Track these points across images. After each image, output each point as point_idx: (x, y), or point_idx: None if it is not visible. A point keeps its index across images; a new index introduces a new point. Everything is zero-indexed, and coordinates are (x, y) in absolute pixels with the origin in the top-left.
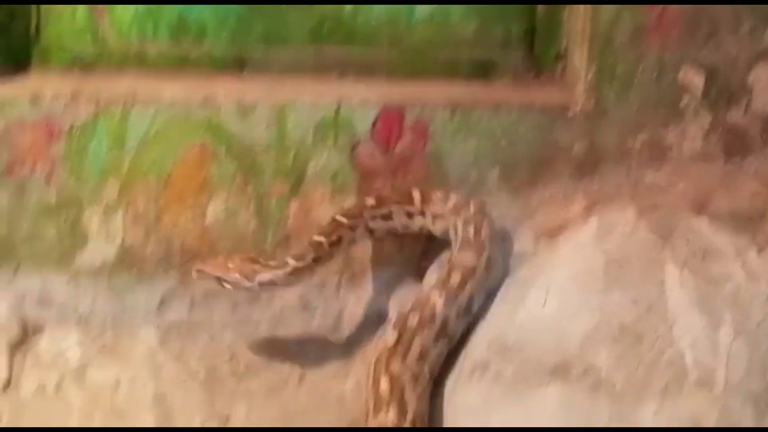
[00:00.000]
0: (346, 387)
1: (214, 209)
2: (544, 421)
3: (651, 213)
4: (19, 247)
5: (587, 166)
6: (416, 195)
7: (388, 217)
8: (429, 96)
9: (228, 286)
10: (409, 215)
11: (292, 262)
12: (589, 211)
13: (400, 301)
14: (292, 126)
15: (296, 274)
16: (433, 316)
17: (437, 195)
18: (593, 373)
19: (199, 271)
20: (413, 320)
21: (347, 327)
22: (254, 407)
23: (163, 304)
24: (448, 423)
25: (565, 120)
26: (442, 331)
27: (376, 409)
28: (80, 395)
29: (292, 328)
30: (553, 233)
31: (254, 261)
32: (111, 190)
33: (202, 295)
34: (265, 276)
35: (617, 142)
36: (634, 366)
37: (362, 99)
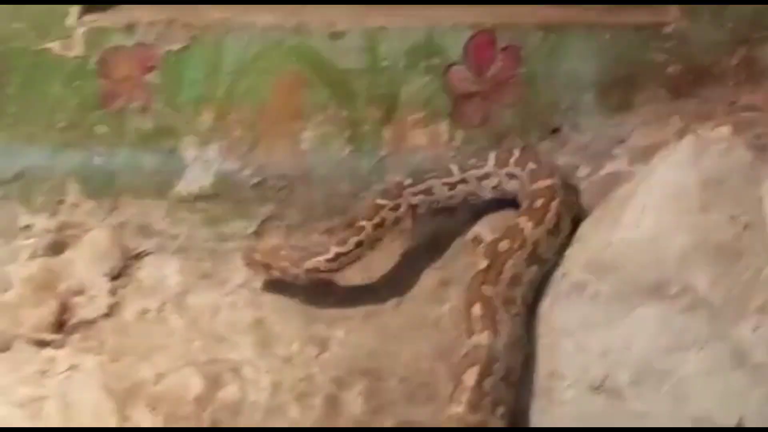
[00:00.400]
0: (442, 311)
1: (309, 136)
2: (641, 341)
3: (747, 131)
4: (118, 176)
5: (682, 87)
6: (454, 168)
7: (428, 192)
8: (521, 18)
9: (276, 273)
10: (451, 186)
11: (334, 248)
12: (684, 131)
13: (493, 226)
14: (384, 51)
15: (339, 260)
16: (523, 241)
17: (474, 161)
18: (690, 292)
19: (249, 258)
20: (504, 245)
21: (444, 252)
22: (352, 331)
23: (259, 231)
24: (544, 345)
25: (660, 40)
26: (533, 254)
27: (469, 332)
28: (181, 320)
29: (390, 252)
30: (648, 153)
31: (302, 248)
32: (206, 118)
33: (298, 222)
34: (310, 263)
35: (712, 61)
36: (732, 284)
37: (454, 23)
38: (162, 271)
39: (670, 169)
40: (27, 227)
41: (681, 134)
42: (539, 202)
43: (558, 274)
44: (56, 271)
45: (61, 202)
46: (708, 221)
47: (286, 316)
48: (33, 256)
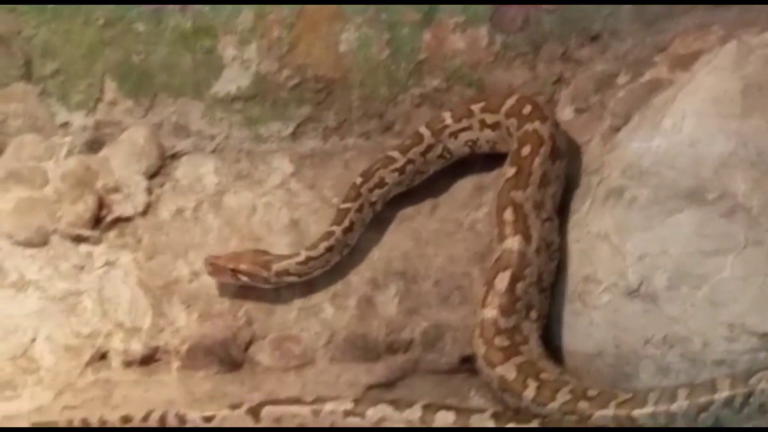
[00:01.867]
0: (477, 216)
1: (348, 38)
2: (678, 246)
3: None
4: (156, 75)
5: None
6: (394, 153)
7: (381, 184)
8: None
9: (244, 278)
10: (399, 170)
11: (304, 252)
12: (726, 38)
13: None
14: None
15: (309, 264)
16: (541, 139)
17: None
18: (729, 197)
19: (212, 264)
20: (526, 150)
21: (480, 158)
22: (387, 234)
23: (296, 133)
24: (579, 250)
25: None
26: (555, 150)
27: (501, 237)
28: (217, 220)
29: None
30: (689, 61)
31: (265, 253)
32: (246, 18)
33: (335, 124)
34: (280, 265)
35: None
36: None
37: None
38: (198, 171)
39: (712, 75)
40: (65, 124)
41: (723, 41)
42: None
43: (595, 180)
44: (93, 168)
45: (98, 100)
46: (748, 127)
47: (321, 217)
48: (70, 153)
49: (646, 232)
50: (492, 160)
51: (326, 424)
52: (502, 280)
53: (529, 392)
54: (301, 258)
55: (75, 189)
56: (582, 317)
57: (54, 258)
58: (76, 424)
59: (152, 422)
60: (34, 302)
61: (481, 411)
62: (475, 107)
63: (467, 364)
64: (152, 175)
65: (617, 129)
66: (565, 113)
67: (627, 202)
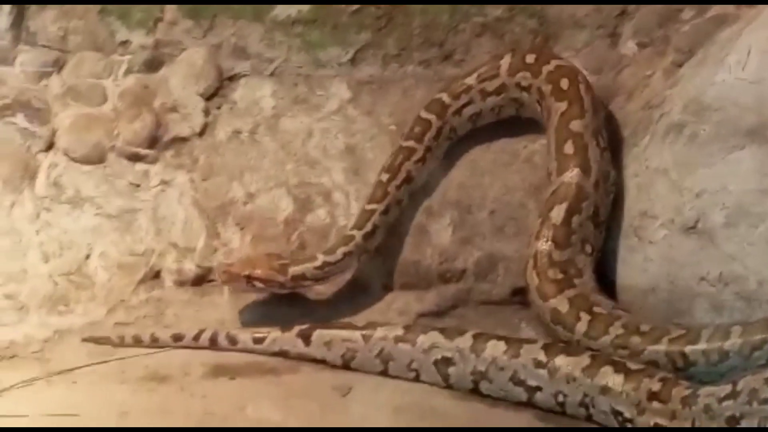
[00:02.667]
0: (534, 148)
1: None
2: (737, 183)
3: None
4: None
5: None
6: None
7: (408, 179)
8: None
9: (259, 285)
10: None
11: (321, 257)
12: None
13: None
14: None
15: (326, 269)
16: (573, 70)
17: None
18: None
19: (225, 272)
20: (564, 83)
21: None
22: (443, 163)
23: (355, 59)
24: (637, 184)
25: None
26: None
27: (561, 170)
28: (273, 142)
29: None
30: None
31: (279, 257)
32: None
33: (395, 51)
34: (296, 269)
35: None
36: None
37: None
38: (256, 94)
39: None
40: (124, 43)
41: None
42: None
43: (655, 114)
44: (151, 87)
45: (159, 19)
46: None
47: (378, 144)
48: (129, 72)
49: (705, 168)
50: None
51: (376, 350)
52: (558, 213)
53: (582, 325)
54: (318, 263)
55: (133, 107)
56: (637, 252)
57: (110, 175)
58: (128, 340)
59: (203, 342)
60: (89, 219)
61: (532, 342)
62: (470, 80)
63: (519, 295)
64: (210, 97)
65: (680, 64)
66: (627, 47)
67: (687, 138)
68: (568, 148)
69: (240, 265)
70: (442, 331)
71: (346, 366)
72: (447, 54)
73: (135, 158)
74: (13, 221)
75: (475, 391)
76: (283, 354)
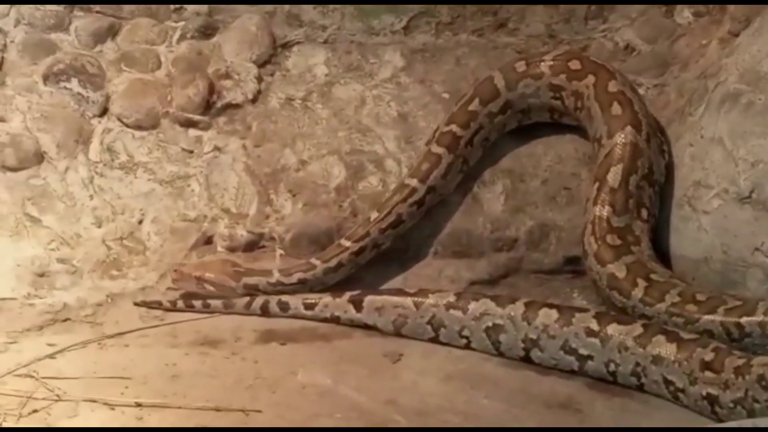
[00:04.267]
0: None
1: None
2: None
3: None
4: None
5: None
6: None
7: (397, 223)
8: None
9: (210, 287)
10: (418, 203)
11: (277, 275)
12: None
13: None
14: None
15: (278, 288)
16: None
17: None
18: None
19: (176, 271)
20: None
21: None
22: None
23: (409, 27)
24: (691, 154)
25: None
26: None
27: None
28: (326, 110)
29: None
30: None
31: (235, 264)
32: None
33: (448, 19)
34: (251, 280)
35: None
36: None
37: None
38: (309, 61)
39: None
40: (179, 9)
41: None
42: None
43: (711, 84)
44: (205, 53)
45: None
46: None
47: (430, 112)
48: (183, 38)
49: (761, 138)
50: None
51: (427, 316)
52: (615, 175)
53: (638, 291)
54: (273, 280)
55: (186, 73)
56: (691, 222)
57: (163, 141)
58: (179, 305)
59: (255, 309)
60: (142, 184)
61: (584, 311)
62: (473, 107)
63: (571, 265)
64: (263, 64)
65: (736, 33)
66: (683, 16)
67: (743, 107)
68: (615, 109)
69: (192, 267)
70: (493, 298)
71: (396, 332)
72: (501, 22)
73: (188, 124)
74: (67, 186)
75: (525, 359)
76: (333, 320)
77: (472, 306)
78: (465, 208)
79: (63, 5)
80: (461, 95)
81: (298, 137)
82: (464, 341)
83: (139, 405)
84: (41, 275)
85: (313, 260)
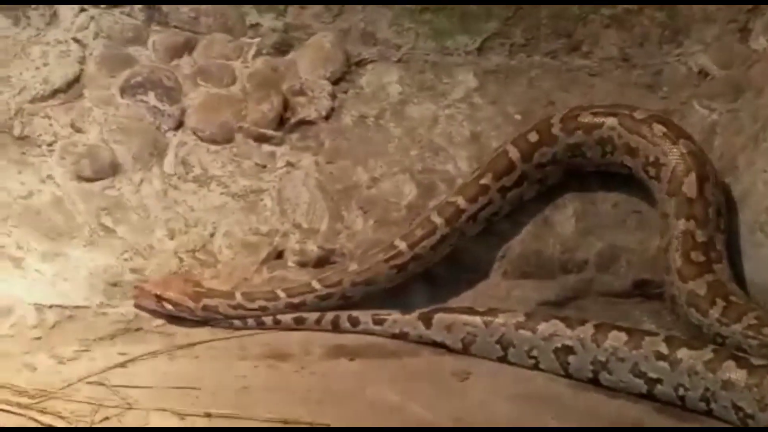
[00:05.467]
0: None
1: None
2: None
3: None
4: None
5: None
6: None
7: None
8: None
9: (168, 306)
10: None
11: (240, 298)
12: None
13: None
14: None
15: (238, 311)
16: None
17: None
18: None
19: (137, 287)
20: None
21: (666, 82)
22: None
23: (483, 48)
24: (763, 182)
25: None
26: None
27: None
28: (398, 128)
29: (611, 80)
30: None
31: (197, 284)
32: None
33: (523, 41)
34: (211, 301)
35: None
36: None
37: None
38: (382, 80)
39: None
40: (255, 25)
41: None
42: None
43: None
44: (280, 70)
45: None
46: None
47: (502, 132)
48: (258, 54)
49: None
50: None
51: (497, 335)
52: (690, 185)
53: (716, 311)
54: (234, 302)
55: (261, 89)
56: (763, 249)
57: (237, 155)
58: (250, 323)
59: (325, 323)
60: (215, 197)
61: (654, 334)
62: (485, 180)
63: (641, 288)
64: (336, 81)
65: None
66: (759, 42)
67: None
68: (657, 129)
69: (153, 284)
70: (563, 319)
71: (465, 350)
72: (575, 45)
73: (262, 139)
74: (142, 197)
75: (594, 381)
76: (402, 336)
77: (542, 326)
78: (535, 229)
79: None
80: (475, 168)
81: (370, 155)
82: (533, 362)
83: (208, 415)
84: (114, 285)
85: (279, 291)
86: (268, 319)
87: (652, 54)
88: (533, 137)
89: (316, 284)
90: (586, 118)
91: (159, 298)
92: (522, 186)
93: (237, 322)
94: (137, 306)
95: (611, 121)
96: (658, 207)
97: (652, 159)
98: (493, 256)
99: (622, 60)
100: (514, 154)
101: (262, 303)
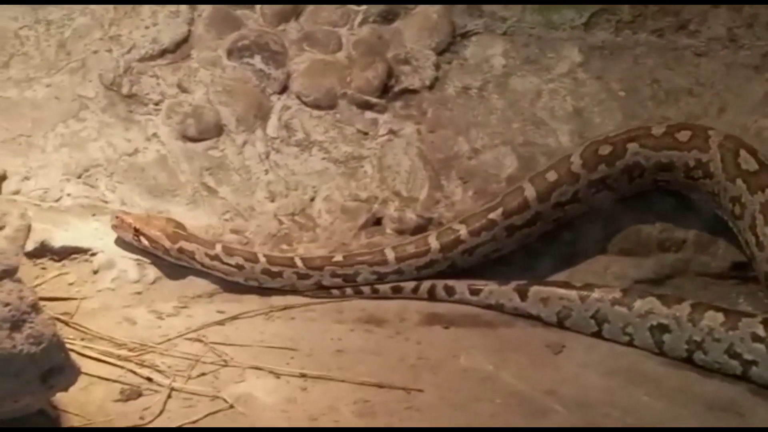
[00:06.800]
0: (764, 124)
1: None
2: None
3: None
4: None
5: None
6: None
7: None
8: None
9: (145, 241)
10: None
11: (219, 248)
12: None
13: None
14: None
15: (214, 263)
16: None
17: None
18: None
19: (118, 217)
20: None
21: None
22: None
23: (589, 23)
24: None
25: None
26: None
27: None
28: (501, 100)
29: (717, 60)
30: None
31: (179, 226)
32: None
33: (629, 18)
34: (188, 245)
35: None
36: None
37: None
38: (487, 52)
39: None
40: None
41: None
42: None
43: None
44: (385, 38)
45: None
46: None
47: (606, 108)
48: (365, 22)
49: None
50: None
51: (591, 311)
52: (747, 160)
53: None
54: (213, 252)
55: (366, 56)
56: None
57: (340, 121)
58: (348, 291)
59: (422, 293)
60: (317, 162)
61: (751, 315)
62: (494, 215)
63: (738, 270)
64: (441, 51)
65: None
66: None
67: None
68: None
69: (135, 218)
70: (659, 297)
71: (560, 324)
72: (682, 24)
73: (365, 106)
74: (244, 159)
75: (688, 360)
76: (497, 307)
77: (638, 303)
78: (635, 206)
79: None
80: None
81: (472, 126)
82: (627, 338)
83: (304, 376)
84: None
85: (260, 254)
86: (366, 288)
87: (760, 35)
88: (552, 176)
89: (299, 262)
90: (606, 150)
91: (137, 232)
92: (534, 226)
93: (335, 291)
94: (115, 233)
95: (632, 146)
96: (721, 199)
97: (692, 164)
98: (593, 232)
99: (729, 40)
100: (530, 193)
101: (240, 261)
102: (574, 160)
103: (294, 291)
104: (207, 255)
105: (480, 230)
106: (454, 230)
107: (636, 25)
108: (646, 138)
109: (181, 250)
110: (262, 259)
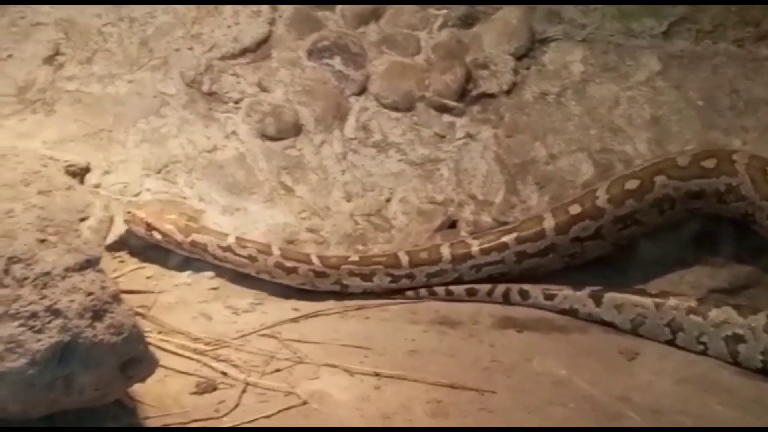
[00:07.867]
0: None
1: None
2: None
3: None
4: None
5: None
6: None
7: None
8: None
9: (158, 235)
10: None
11: (231, 239)
12: None
13: None
14: None
15: (227, 254)
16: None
17: None
18: None
19: (130, 212)
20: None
21: None
22: (749, 143)
23: (669, 32)
24: None
25: None
26: None
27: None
28: (579, 107)
29: None
30: None
31: (192, 219)
32: None
33: (710, 27)
34: (200, 237)
35: None
36: None
37: None
38: (565, 58)
39: None
40: None
41: None
42: None
43: None
44: (464, 42)
45: None
46: None
47: (684, 117)
48: (444, 26)
49: None
50: None
51: (666, 319)
52: None
53: None
54: (225, 243)
55: (445, 60)
56: None
57: (417, 124)
58: (422, 292)
59: (496, 297)
60: (393, 164)
61: None
62: (507, 238)
63: None
64: (520, 57)
65: None
66: None
67: None
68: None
69: (148, 212)
70: (735, 307)
71: (633, 331)
72: (762, 34)
73: (443, 110)
74: (321, 159)
75: (762, 371)
76: (571, 312)
77: (713, 313)
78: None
79: None
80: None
81: (549, 131)
82: (701, 347)
83: (377, 375)
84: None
85: (275, 248)
86: (440, 290)
87: None
88: (575, 209)
89: (315, 260)
90: (634, 185)
91: (149, 227)
92: (546, 257)
93: (410, 293)
94: (128, 229)
95: (660, 179)
96: (757, 218)
97: (723, 189)
98: (668, 240)
99: None
100: (548, 224)
101: (254, 252)
102: (600, 195)
103: (314, 290)
104: (219, 247)
105: (490, 250)
106: (467, 244)
107: (716, 34)
108: (672, 169)
109: (194, 243)
110: (276, 252)
